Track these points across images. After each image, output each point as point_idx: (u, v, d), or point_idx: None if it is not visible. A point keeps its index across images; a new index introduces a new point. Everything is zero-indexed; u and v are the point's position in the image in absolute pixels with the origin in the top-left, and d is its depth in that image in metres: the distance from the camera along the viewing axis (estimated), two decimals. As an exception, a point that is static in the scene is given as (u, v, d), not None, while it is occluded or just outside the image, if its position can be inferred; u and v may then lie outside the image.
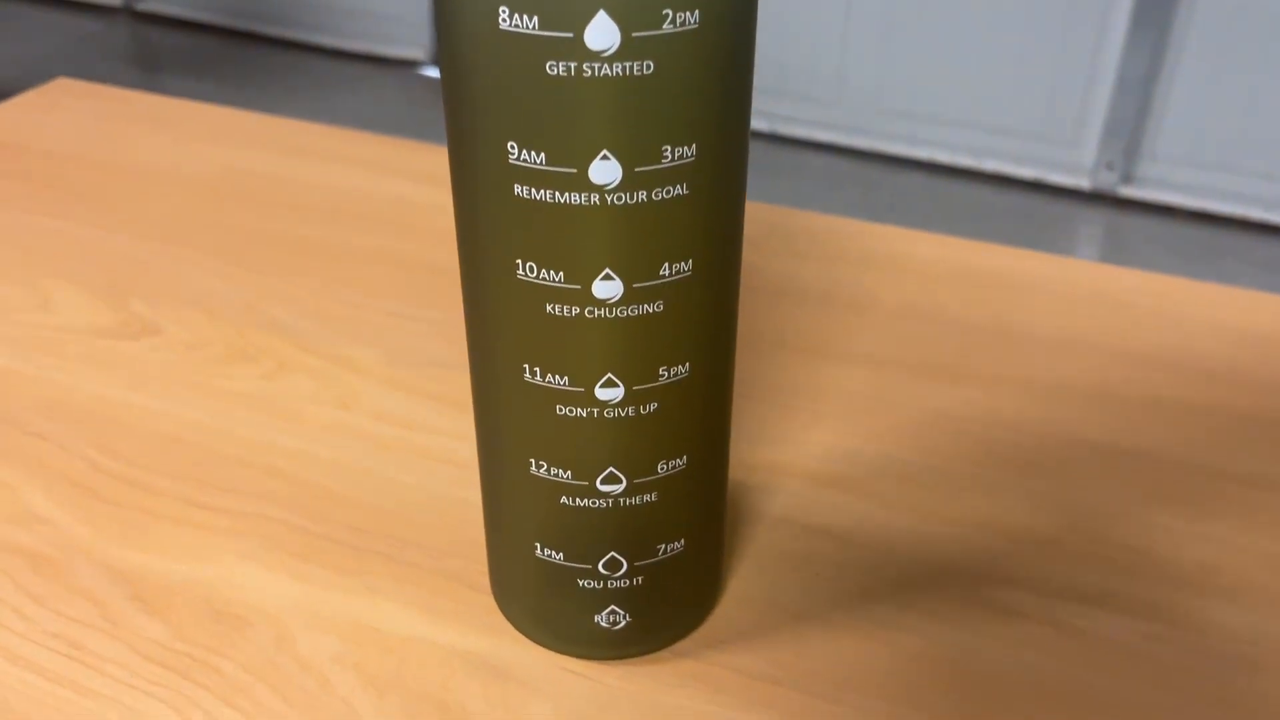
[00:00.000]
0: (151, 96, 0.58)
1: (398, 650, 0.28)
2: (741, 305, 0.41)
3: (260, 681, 0.27)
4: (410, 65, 2.25)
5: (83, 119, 0.55)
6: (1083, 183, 1.83)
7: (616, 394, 0.23)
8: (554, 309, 0.22)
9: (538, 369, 0.23)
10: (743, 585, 0.30)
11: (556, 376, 0.23)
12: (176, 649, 0.28)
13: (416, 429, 0.36)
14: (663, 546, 0.26)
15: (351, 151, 0.53)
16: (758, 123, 1.98)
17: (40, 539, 0.31)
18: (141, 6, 2.47)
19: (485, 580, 0.30)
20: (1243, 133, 1.73)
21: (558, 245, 0.21)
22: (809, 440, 0.35)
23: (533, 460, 0.24)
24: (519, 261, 0.22)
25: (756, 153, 1.94)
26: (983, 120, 1.86)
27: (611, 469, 0.24)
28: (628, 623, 0.27)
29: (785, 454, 0.35)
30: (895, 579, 0.30)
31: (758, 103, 1.95)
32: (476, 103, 0.20)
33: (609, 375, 0.23)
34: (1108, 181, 1.81)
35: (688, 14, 0.19)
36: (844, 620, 0.29)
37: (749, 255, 0.45)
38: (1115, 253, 1.74)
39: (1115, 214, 1.81)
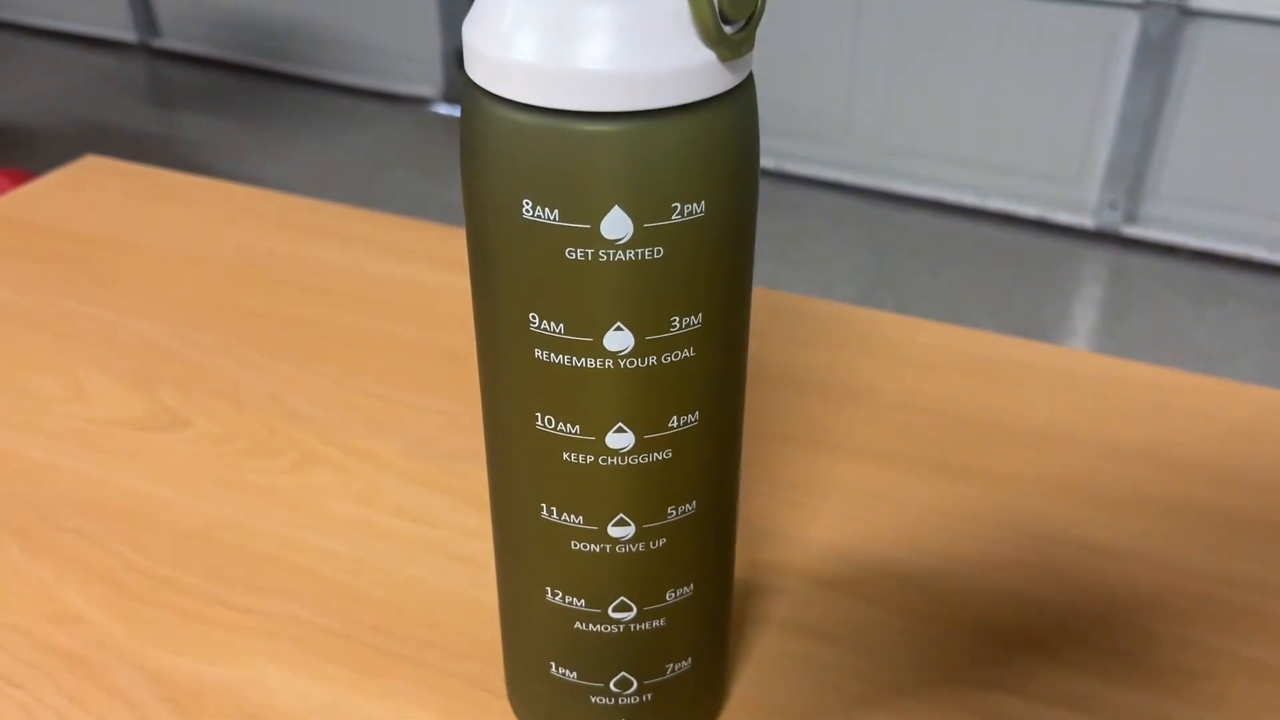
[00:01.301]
0: (177, 175, 0.60)
1: (418, 755, 0.30)
2: (748, 393, 0.43)
3: (289, 787, 0.29)
4: (422, 102, 2.28)
5: (110, 198, 0.57)
6: (1086, 221, 1.85)
7: (628, 532, 0.25)
8: (570, 457, 0.24)
9: (554, 508, 0.25)
10: (747, 690, 0.31)
11: (571, 515, 0.25)
12: (209, 753, 0.30)
13: (434, 525, 0.37)
14: (671, 666, 0.27)
15: (374, 233, 0.54)
16: (764, 161, 2.01)
17: (77, 638, 0.33)
18: (157, 43, 2.51)
19: (502, 685, 0.32)
20: (1247, 172, 1.74)
21: (574, 402, 0.23)
22: (810, 538, 0.37)
23: (549, 589, 0.26)
24: (538, 414, 0.24)
25: (762, 190, 1.97)
26: (987, 159, 1.89)
27: (623, 598, 0.26)
28: (637, 735, 0.28)
29: (788, 553, 0.36)
30: (889, 683, 0.32)
31: (764, 141, 1.98)
32: (501, 279, 0.22)
33: (621, 515, 0.25)
34: (1111, 220, 1.83)
35: (694, 205, 0.21)
36: (842, 726, 0.30)
37: (753, 343, 0.47)
38: (1118, 293, 1.76)
39: (1119, 253, 1.83)
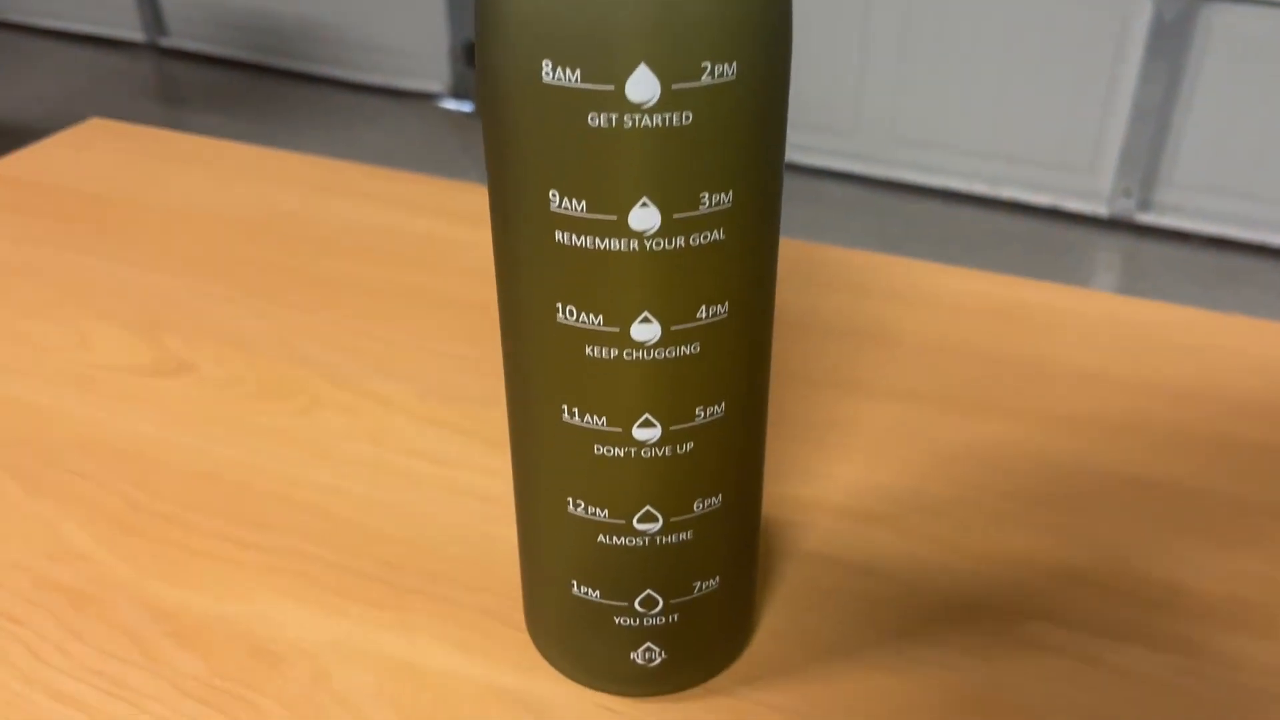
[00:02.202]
0: (183, 136, 0.59)
1: (434, 686, 0.28)
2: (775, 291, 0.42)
3: (299, 718, 0.27)
4: (429, 98, 2.28)
5: (116, 158, 0.56)
6: (1100, 209, 1.83)
7: (653, 434, 0.23)
8: (593, 351, 0.23)
9: (576, 409, 0.23)
10: (776, 621, 0.30)
11: (594, 417, 0.23)
12: (216, 685, 0.28)
13: (449, 465, 0.36)
14: (698, 584, 0.26)
15: (383, 189, 0.53)
16: (774, 152, 1.99)
17: (80, 575, 0.32)
18: (165, 42, 2.51)
19: (520, 616, 0.30)
20: (1262, 158, 1.73)
21: (597, 290, 0.22)
22: (839, 475, 0.35)
23: (570, 499, 0.25)
24: (559, 305, 0.22)
25: (773, 182, 1.95)
26: (999, 147, 1.87)
27: (648, 508, 0.25)
28: (663, 660, 0.27)
29: (816, 489, 0.35)
30: (926, 614, 0.30)
31: (774, 132, 1.97)
32: (518, 153, 0.21)
33: (646, 416, 0.23)
34: (1125, 208, 1.81)
35: (726, 66, 0.20)
36: (875, 656, 0.29)
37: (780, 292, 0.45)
38: (1133, 280, 1.74)
39: (1133, 241, 1.81)
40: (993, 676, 0.28)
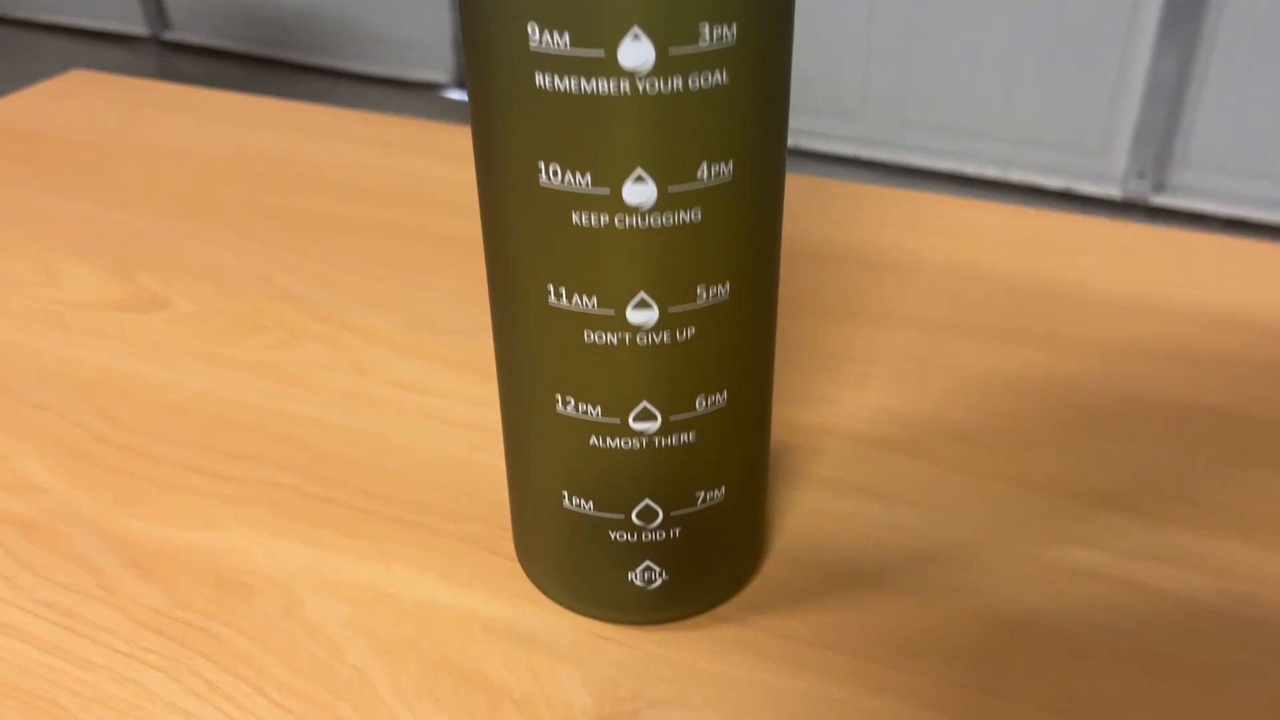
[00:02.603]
0: (165, 84, 0.57)
1: (414, 616, 0.26)
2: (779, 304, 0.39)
3: (265, 649, 0.25)
4: (432, 88, 2.26)
5: (98, 105, 0.54)
6: (1114, 192, 1.80)
7: (650, 316, 0.21)
8: (580, 218, 0.20)
9: (563, 289, 0.21)
10: (787, 547, 0.28)
11: (584, 298, 0.21)
12: (176, 616, 0.26)
13: (436, 394, 0.33)
14: (701, 494, 0.24)
15: (368, 131, 0.51)
16: (781, 138, 1.97)
17: (35, 506, 0.29)
18: (168, 36, 2.49)
19: (509, 546, 0.28)
20: (1278, 137, 1.69)
21: (583, 144, 0.19)
22: (855, 402, 0.33)
23: (559, 396, 0.22)
24: (541, 165, 0.20)
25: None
26: (1009, 130, 1.84)
27: (645, 404, 0.22)
28: (664, 581, 0.24)
29: (829, 416, 0.32)
30: (952, 539, 0.28)
31: (781, 118, 1.94)
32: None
33: (641, 296, 0.21)
34: (1139, 190, 1.78)
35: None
36: (898, 581, 0.27)
37: (784, 221, 0.43)
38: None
39: (1148, 223, 1.78)
40: (1026, 602, 0.26)
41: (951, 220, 0.43)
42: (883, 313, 0.37)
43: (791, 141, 1.97)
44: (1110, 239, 0.41)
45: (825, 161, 1.96)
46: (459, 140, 0.50)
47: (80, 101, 0.55)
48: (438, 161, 0.48)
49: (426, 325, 0.37)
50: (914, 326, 0.36)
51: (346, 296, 0.38)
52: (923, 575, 0.27)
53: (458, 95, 2.23)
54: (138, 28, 2.52)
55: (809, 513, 0.29)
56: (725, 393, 0.23)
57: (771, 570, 0.27)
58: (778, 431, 0.32)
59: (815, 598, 0.26)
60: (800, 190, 0.45)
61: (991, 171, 1.86)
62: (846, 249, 0.41)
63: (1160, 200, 1.78)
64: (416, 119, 0.52)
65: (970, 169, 1.88)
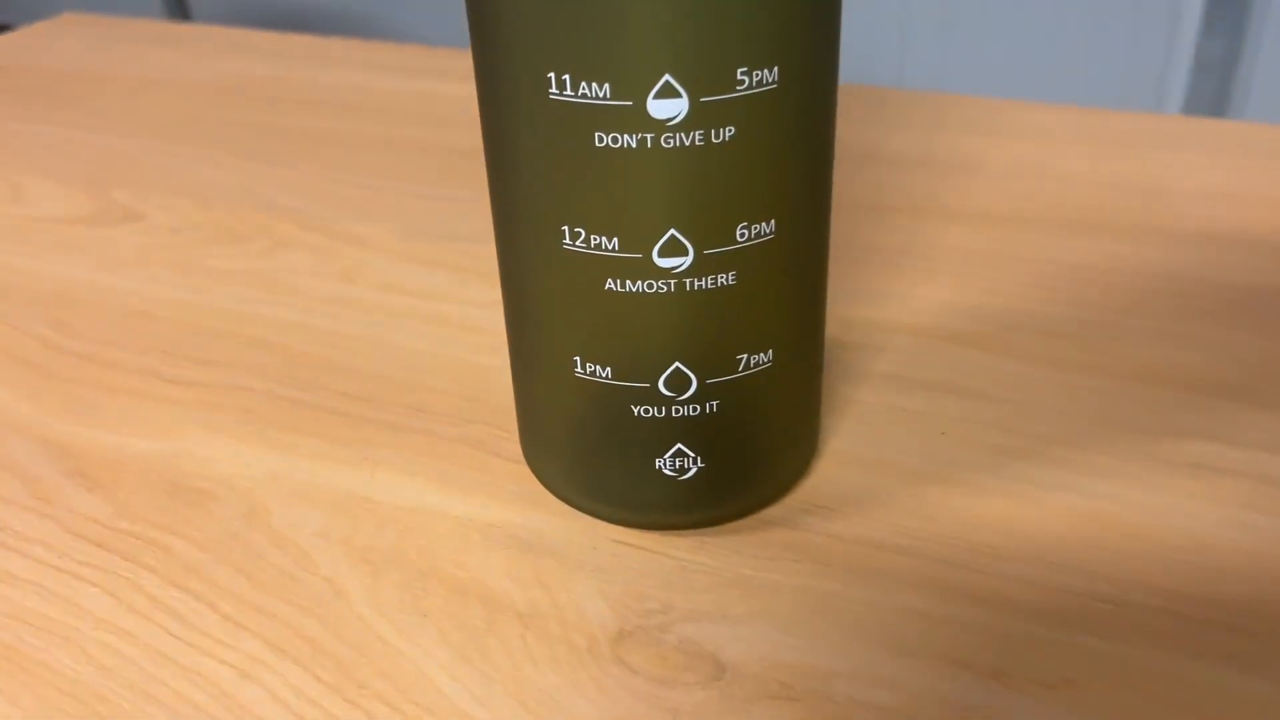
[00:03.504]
0: (161, 23, 0.53)
1: (399, 523, 0.22)
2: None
3: (221, 561, 0.21)
4: (457, 86, 2.23)
5: (89, 42, 0.51)
6: (1158, 175, 1.74)
7: (679, 106, 0.17)
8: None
9: (567, 77, 0.17)
10: (845, 445, 0.23)
11: (595, 85, 0.17)
12: (120, 528, 0.22)
13: (434, 298, 0.29)
14: (744, 358, 0.19)
15: (359, 56, 0.47)
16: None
17: (-30, 416, 0.25)
18: (192, 41, 2.49)
19: (515, 449, 0.24)
20: (1330, 115, 1.63)
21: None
22: (920, 297, 0.28)
23: (566, 229, 0.18)
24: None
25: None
26: (1049, 115, 1.78)
27: (673, 233, 0.18)
28: (699, 470, 0.20)
29: (891, 311, 0.28)
30: (1042, 435, 0.23)
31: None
32: None
33: (667, 77, 0.16)
34: (1185, 173, 1.72)
35: None
36: (979, 479, 0.22)
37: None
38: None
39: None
40: (1137, 500, 0.21)
41: (1013, 121, 0.38)
42: (945, 209, 0.33)
43: (822, 132, 1.92)
44: (1185, 134, 0.37)
45: (858, 151, 1.91)
46: (459, 61, 0.46)
47: (71, 40, 0.51)
48: (437, 80, 0.44)
49: (426, 233, 0.33)
50: (981, 221, 0.32)
51: (338, 207, 0.34)
52: (1013, 473, 0.22)
53: (482, 94, 2.20)
54: (163, 35, 2.52)
55: (870, 410, 0.24)
56: (772, 221, 0.18)
57: (827, 469, 0.22)
58: (831, 327, 0.27)
59: (882, 498, 0.22)
60: (850, 96, 0.41)
61: (1030, 157, 1.81)
62: (901, 150, 0.36)
63: (1207, 183, 1.72)
64: (415, 44, 0.48)
65: (1008, 155, 1.82)
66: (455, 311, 0.29)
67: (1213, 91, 1.68)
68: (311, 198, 0.35)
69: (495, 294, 0.29)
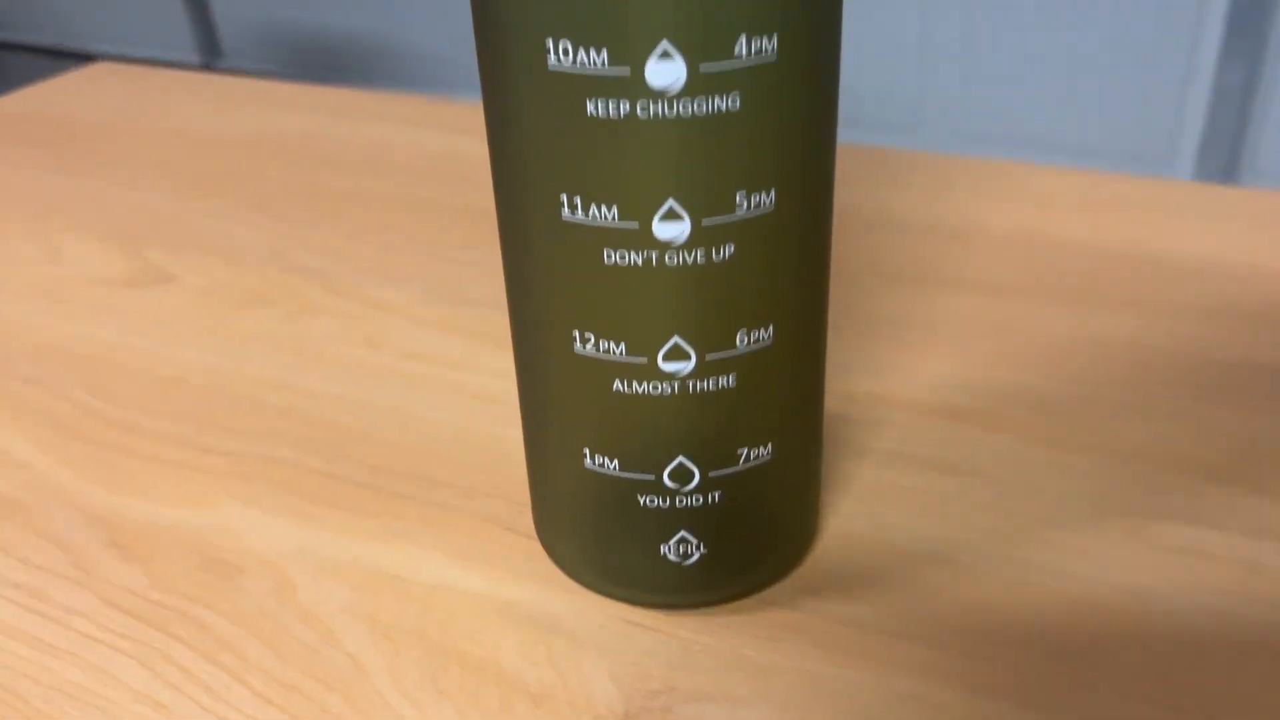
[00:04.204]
0: (191, 74, 0.55)
1: (420, 600, 0.23)
2: (834, 239, 0.36)
3: (251, 635, 0.22)
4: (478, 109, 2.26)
5: (122, 93, 0.52)
6: (1177, 201, 1.74)
7: (681, 230, 0.18)
8: (594, 107, 0.17)
9: (578, 199, 0.18)
10: (846, 523, 0.24)
11: (603, 209, 0.18)
12: (153, 599, 0.23)
13: (454, 366, 0.31)
14: (744, 451, 0.20)
15: (384, 110, 0.49)
16: (831, 152, 1.93)
17: (12, 483, 0.27)
18: (220, 65, 2.53)
19: (528, 523, 0.25)
20: (1350, 143, 1.63)
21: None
22: (919, 369, 0.29)
23: (577, 333, 0.19)
24: (549, 42, 0.17)
25: (830, 183, 1.89)
26: (1068, 140, 1.79)
27: (677, 340, 0.19)
28: (702, 555, 0.21)
29: (891, 385, 0.29)
30: (1036, 515, 0.24)
31: (830, 133, 1.90)
32: None
33: (671, 204, 0.18)
34: (1204, 199, 1.72)
35: None
36: (974, 561, 0.23)
37: (840, 193, 0.39)
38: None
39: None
40: (1124, 584, 0.22)
41: (1017, 186, 0.39)
42: (946, 278, 0.34)
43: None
44: (1188, 201, 0.38)
45: (876, 175, 1.92)
46: (480, 117, 0.47)
47: (104, 89, 0.53)
48: (460, 137, 0.45)
49: (446, 298, 0.34)
50: (981, 291, 0.33)
51: (362, 269, 0.36)
52: (1005, 555, 0.23)
53: (504, 116, 2.22)
54: (190, 57, 2.56)
55: (870, 488, 0.25)
56: (771, 327, 0.19)
57: (827, 550, 0.23)
58: (833, 402, 0.28)
59: (879, 580, 0.23)
60: (854, 159, 0.42)
61: (1048, 183, 1.81)
62: (904, 215, 0.37)
63: (1227, 209, 1.72)
64: (439, 97, 0.50)
65: (1026, 180, 1.83)
66: (473, 381, 0.30)
67: (1232, 122, 1.68)
68: (337, 259, 0.36)
69: (511, 362, 0.31)
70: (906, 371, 0.29)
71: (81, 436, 0.28)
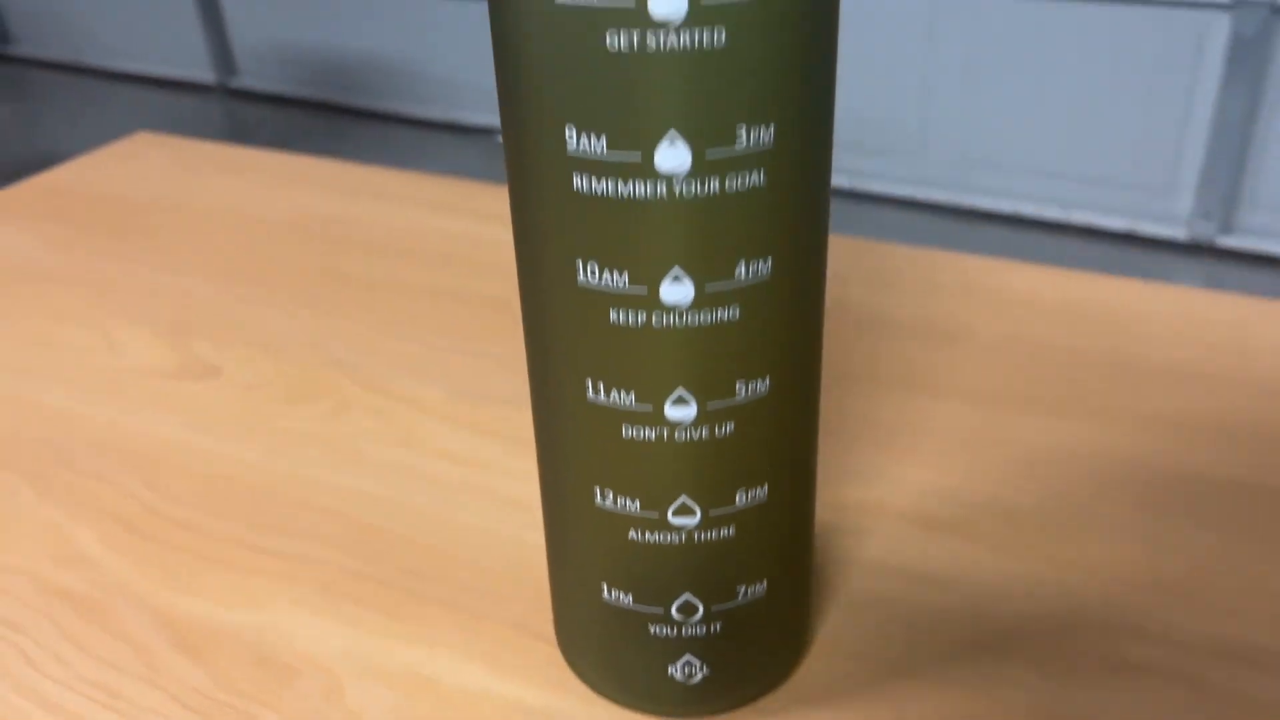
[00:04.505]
0: (229, 147, 0.58)
1: (456, 704, 0.26)
2: (828, 337, 0.39)
3: (305, 736, 0.25)
4: (489, 133, 2.29)
5: (160, 168, 0.55)
6: (1178, 233, 1.77)
7: (689, 412, 0.21)
8: (618, 316, 0.20)
9: (601, 384, 0.21)
10: (833, 635, 0.27)
11: (622, 393, 0.21)
12: (219, 699, 0.26)
13: (479, 467, 0.33)
14: (742, 589, 0.23)
15: (413, 192, 0.52)
16: (837, 179, 1.96)
17: (85, 581, 0.30)
18: (234, 83, 2.56)
19: (550, 629, 0.28)
20: (1350, 177, 1.65)
21: (621, 243, 0.19)
22: (903, 478, 0.32)
23: (598, 490, 0.22)
24: (579, 262, 0.20)
25: (836, 209, 1.92)
26: (1070, 169, 1.82)
27: (684, 499, 0.22)
28: (705, 676, 0.24)
29: (877, 493, 0.32)
30: (1004, 629, 0.27)
31: (836, 159, 1.94)
32: (533, 83, 0.19)
33: (680, 391, 0.21)
34: (1205, 231, 1.75)
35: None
36: (947, 674, 0.26)
37: (835, 288, 0.42)
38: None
39: (1214, 266, 1.74)
40: (1081, 700, 0.25)
41: (1003, 284, 0.42)
42: (934, 384, 0.36)
43: (848, 183, 1.96)
44: (1165, 305, 0.40)
45: (882, 203, 1.95)
46: (501, 201, 0.50)
47: (143, 163, 0.56)
48: (486, 223, 0.48)
49: (471, 395, 0.37)
50: (965, 399, 0.36)
51: (395, 364, 0.39)
52: (975, 668, 0.26)
53: (515, 139, 2.25)
54: (206, 75, 2.59)
55: (855, 599, 0.28)
56: (766, 485, 0.22)
57: (816, 660, 0.26)
58: (823, 511, 0.31)
59: (861, 690, 0.25)
60: (849, 253, 0.45)
61: (1052, 213, 1.84)
62: (898, 315, 0.40)
63: (1227, 242, 1.74)
64: (466, 179, 0.53)
65: (1030, 210, 1.85)
66: (500, 485, 0.33)
67: (1231, 154, 1.70)
68: (371, 353, 0.39)
69: (531, 464, 0.33)
70: (892, 481, 0.32)
71: (145, 534, 0.31)
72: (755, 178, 0.19)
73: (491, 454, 0.34)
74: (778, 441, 0.22)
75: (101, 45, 2.72)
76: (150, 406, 0.37)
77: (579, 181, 0.19)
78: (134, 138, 0.60)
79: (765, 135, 0.19)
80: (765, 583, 0.23)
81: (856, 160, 1.95)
